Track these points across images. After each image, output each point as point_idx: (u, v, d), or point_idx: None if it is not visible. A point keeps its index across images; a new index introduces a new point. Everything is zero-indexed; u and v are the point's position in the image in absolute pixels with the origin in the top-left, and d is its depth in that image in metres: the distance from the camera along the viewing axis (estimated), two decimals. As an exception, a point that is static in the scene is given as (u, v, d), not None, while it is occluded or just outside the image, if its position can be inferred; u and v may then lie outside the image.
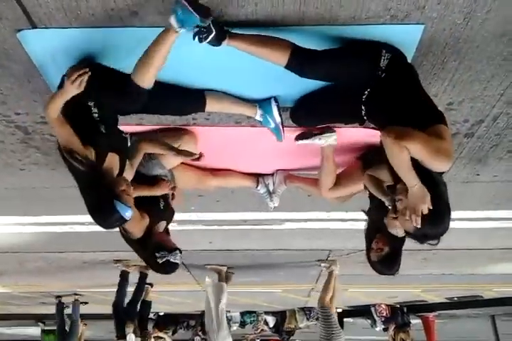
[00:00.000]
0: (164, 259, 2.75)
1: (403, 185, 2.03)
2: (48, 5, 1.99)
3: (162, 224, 2.97)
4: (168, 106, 2.56)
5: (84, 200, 2.25)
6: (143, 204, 2.70)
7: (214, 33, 2.03)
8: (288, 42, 2.15)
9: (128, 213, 2.19)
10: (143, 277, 6.13)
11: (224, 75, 2.49)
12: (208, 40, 2.05)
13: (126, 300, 5.92)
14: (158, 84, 2.42)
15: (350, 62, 2.22)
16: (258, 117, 2.62)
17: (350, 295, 8.26)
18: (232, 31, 2.12)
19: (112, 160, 2.27)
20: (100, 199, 2.18)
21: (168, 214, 3.05)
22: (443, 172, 2.09)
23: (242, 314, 10.20)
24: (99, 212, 2.22)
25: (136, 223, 2.70)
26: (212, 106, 2.57)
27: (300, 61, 2.18)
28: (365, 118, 2.34)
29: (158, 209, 2.95)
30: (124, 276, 5.96)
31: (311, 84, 2.47)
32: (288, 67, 2.20)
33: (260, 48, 2.15)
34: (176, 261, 2.80)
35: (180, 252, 2.84)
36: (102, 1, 1.99)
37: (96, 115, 2.30)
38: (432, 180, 2.00)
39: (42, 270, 6.44)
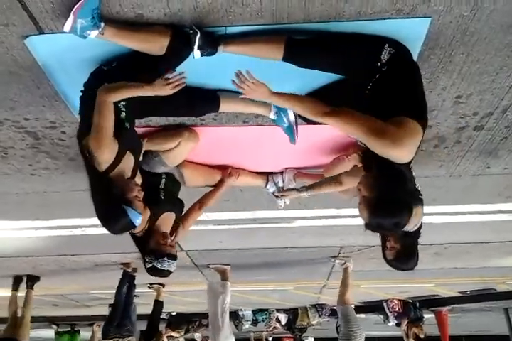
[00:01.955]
0: (150, 265, 2.72)
1: (363, 176, 2.10)
2: (54, 10, 2.00)
3: (169, 217, 2.91)
4: (182, 107, 2.58)
5: (94, 204, 2.24)
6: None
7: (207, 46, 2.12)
8: (281, 36, 2.16)
9: (138, 220, 2.18)
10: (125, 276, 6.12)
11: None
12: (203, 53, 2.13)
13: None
14: None
15: (349, 52, 2.21)
16: (272, 115, 2.62)
17: (362, 291, 8.25)
18: (228, 32, 2.14)
19: (127, 161, 2.26)
20: (111, 205, 2.17)
21: (172, 205, 3.01)
22: (406, 165, 2.08)
23: (254, 312, 10.20)
24: (109, 217, 2.21)
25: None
26: (226, 106, 2.59)
27: (295, 51, 2.18)
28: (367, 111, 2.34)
29: (157, 200, 2.93)
30: (124, 276, 5.98)
31: (322, 79, 2.47)
32: (285, 59, 2.21)
33: (255, 47, 2.17)
34: (163, 268, 2.73)
35: (173, 259, 2.76)
36: (106, 5, 2.00)
37: (123, 114, 2.29)
38: (388, 171, 2.01)
39: (55, 273, 6.48)
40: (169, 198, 3.03)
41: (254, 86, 2.12)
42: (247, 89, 2.13)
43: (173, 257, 2.77)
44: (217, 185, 3.21)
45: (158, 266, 2.72)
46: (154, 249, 2.74)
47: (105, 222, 2.22)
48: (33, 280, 6.56)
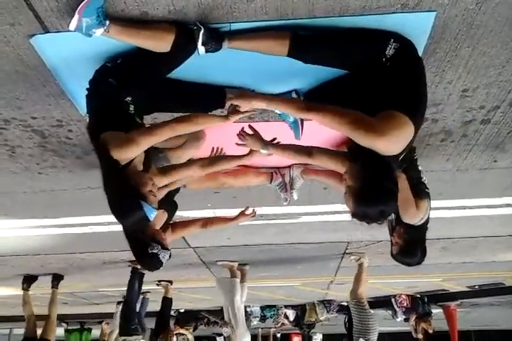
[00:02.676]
0: (155, 251, 2.70)
1: (349, 166, 2.11)
2: (60, 9, 2.01)
3: (162, 215, 2.92)
4: (188, 103, 2.59)
5: (108, 197, 2.19)
6: None
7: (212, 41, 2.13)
8: (286, 32, 2.16)
9: (153, 214, 2.17)
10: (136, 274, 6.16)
11: (243, 72, 2.50)
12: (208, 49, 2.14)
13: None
14: (178, 82, 2.46)
15: (353, 47, 2.21)
16: (278, 110, 2.62)
17: (369, 286, 8.23)
18: (232, 28, 2.14)
19: (140, 154, 2.25)
20: (127, 198, 2.14)
21: (167, 204, 2.99)
22: (394, 157, 2.08)
23: (262, 308, 10.23)
24: (124, 210, 2.18)
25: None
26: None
27: (300, 47, 2.18)
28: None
29: None
30: (134, 273, 6.02)
31: (327, 74, 2.47)
32: (290, 55, 2.21)
33: (260, 43, 2.17)
34: (161, 259, 2.75)
35: (170, 256, 2.80)
36: (110, 3, 2.00)
37: (132, 108, 2.30)
38: (374, 162, 2.01)
39: (63, 271, 6.52)
40: (167, 197, 3.04)
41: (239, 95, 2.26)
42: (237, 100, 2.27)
43: (170, 254, 2.82)
44: (231, 219, 3.24)
45: (161, 255, 2.74)
46: (158, 240, 2.76)
47: (120, 216, 2.19)
48: (57, 279, 6.61)
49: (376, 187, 2.00)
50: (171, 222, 3.17)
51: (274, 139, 2.58)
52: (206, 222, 3.22)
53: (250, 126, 2.54)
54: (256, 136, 2.54)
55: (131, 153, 2.15)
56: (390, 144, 1.99)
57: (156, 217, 2.83)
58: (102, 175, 2.21)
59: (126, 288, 5.99)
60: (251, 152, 2.62)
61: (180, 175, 2.68)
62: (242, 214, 3.25)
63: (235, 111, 2.32)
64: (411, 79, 2.17)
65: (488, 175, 3.70)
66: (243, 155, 2.67)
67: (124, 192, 2.13)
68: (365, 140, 1.97)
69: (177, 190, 3.18)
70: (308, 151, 2.48)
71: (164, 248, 2.76)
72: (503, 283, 8.22)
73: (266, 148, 2.56)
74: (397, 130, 1.99)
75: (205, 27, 2.10)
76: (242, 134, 2.55)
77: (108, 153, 2.09)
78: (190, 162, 2.72)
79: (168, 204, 3.06)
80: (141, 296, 6.73)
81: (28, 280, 6.57)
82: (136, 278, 5.98)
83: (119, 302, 7.91)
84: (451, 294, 9.00)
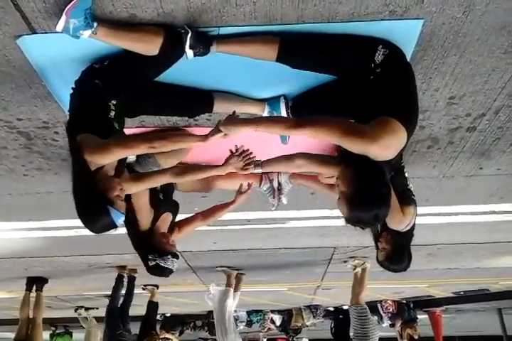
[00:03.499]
0: (154, 263, 2.74)
1: (341, 172, 2.11)
2: (47, 10, 1.99)
3: (167, 217, 2.94)
4: (176, 106, 2.58)
5: (75, 201, 2.15)
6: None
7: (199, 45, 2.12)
8: (275, 37, 2.17)
9: (120, 220, 2.13)
10: (131, 280, 6.13)
11: (231, 76, 2.50)
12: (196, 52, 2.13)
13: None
14: (166, 86, 2.45)
15: (342, 53, 2.22)
16: (266, 114, 2.62)
17: (356, 291, 8.25)
18: (221, 32, 2.14)
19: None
20: (94, 203, 2.11)
21: (170, 206, 3.03)
22: (387, 163, 2.08)
23: (249, 313, 10.19)
24: (90, 215, 2.14)
25: (147, 212, 2.72)
26: (220, 106, 2.58)
27: (289, 52, 2.19)
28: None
29: (158, 201, 2.92)
30: (119, 279, 6.00)
31: (315, 81, 2.48)
32: (278, 60, 2.21)
33: (248, 48, 2.17)
34: (166, 266, 2.77)
35: (176, 257, 2.81)
36: (98, 4, 1.99)
37: (112, 113, 2.28)
38: (367, 167, 2.02)
39: (48, 274, 6.46)
40: (167, 199, 3.03)
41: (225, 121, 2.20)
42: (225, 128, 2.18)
43: (176, 256, 2.82)
44: (230, 202, 3.15)
45: (162, 263, 2.76)
46: (157, 247, 2.77)
47: (85, 221, 2.15)
48: (42, 282, 6.54)
49: (369, 191, 2.00)
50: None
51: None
52: (206, 214, 3.16)
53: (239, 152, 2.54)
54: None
55: (104, 161, 2.13)
56: (383, 149, 1.99)
57: (161, 219, 2.85)
58: (72, 177, 2.18)
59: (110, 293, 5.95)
60: (226, 162, 2.55)
61: (153, 183, 2.66)
62: (239, 193, 3.13)
63: (213, 131, 2.24)
64: (402, 85, 2.18)
65: (474, 182, 3.73)
66: (219, 166, 2.59)
67: (91, 197, 2.10)
68: (358, 147, 1.97)
69: (173, 189, 3.17)
70: (297, 162, 2.48)
71: (163, 253, 2.76)
72: (488, 289, 8.28)
73: (258, 168, 2.59)
74: (389, 135, 1.99)
75: (193, 30, 2.10)
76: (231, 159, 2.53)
77: (81, 155, 2.07)
78: (163, 170, 2.69)
79: (171, 204, 3.06)
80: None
81: (31, 282, 6.49)
82: (120, 284, 5.95)
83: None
84: (437, 300, 9.04)
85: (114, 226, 2.14)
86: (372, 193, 2.01)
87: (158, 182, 2.67)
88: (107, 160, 2.12)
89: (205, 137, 2.23)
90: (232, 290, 5.84)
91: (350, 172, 2.05)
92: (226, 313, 5.63)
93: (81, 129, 2.14)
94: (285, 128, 2.07)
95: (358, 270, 5.57)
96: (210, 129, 2.35)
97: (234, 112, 2.27)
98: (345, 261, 5.91)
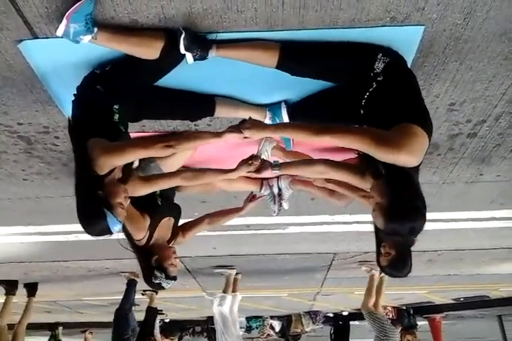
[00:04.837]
0: (158, 281, 2.76)
1: (375, 183, 2.09)
2: (49, 15, 2.00)
3: (168, 222, 2.92)
4: (178, 110, 2.59)
5: (77, 201, 2.16)
6: (138, 203, 2.65)
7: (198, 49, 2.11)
8: (275, 43, 2.17)
9: (116, 227, 2.13)
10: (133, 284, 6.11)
11: (233, 81, 2.50)
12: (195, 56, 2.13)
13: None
14: (168, 90, 2.46)
15: (341, 62, 2.22)
16: (267, 120, 2.62)
17: (356, 297, 8.23)
18: (218, 38, 2.14)
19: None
20: (93, 206, 2.10)
21: (170, 210, 3.00)
22: (414, 168, 2.09)
23: (248, 319, 10.16)
24: (87, 217, 2.14)
25: (136, 223, 2.68)
26: (221, 110, 2.59)
27: (290, 60, 2.19)
28: (364, 121, 2.34)
29: (155, 206, 2.90)
30: (131, 284, 5.96)
31: (316, 88, 2.48)
32: (279, 67, 2.21)
33: (248, 53, 2.18)
34: (165, 287, 2.80)
35: (175, 280, 2.83)
36: (100, 10, 2.00)
37: (116, 116, 2.28)
38: (398, 176, 2.02)
39: (47, 279, 6.43)
40: (166, 203, 3.02)
41: (249, 125, 2.18)
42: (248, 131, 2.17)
43: (176, 279, 2.84)
44: (239, 208, 3.13)
45: (164, 284, 2.78)
46: (165, 267, 2.77)
47: (82, 222, 2.15)
48: (33, 287, 6.46)
49: (406, 204, 2.00)
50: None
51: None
52: (212, 218, 3.13)
53: (256, 156, 2.51)
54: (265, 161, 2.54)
55: (120, 162, 2.14)
56: (412, 156, 2.00)
57: (161, 226, 2.84)
58: (75, 178, 2.18)
59: (110, 298, 5.93)
60: (238, 166, 2.52)
61: (162, 186, 2.65)
62: (248, 200, 3.09)
63: (231, 129, 2.24)
64: (410, 91, 2.18)
65: (474, 188, 3.73)
66: (229, 170, 2.55)
67: (92, 198, 2.09)
68: (386, 155, 1.97)
69: (173, 193, 3.17)
70: (318, 168, 2.47)
71: (169, 277, 2.76)
72: (488, 295, 8.26)
73: (277, 169, 2.55)
74: (415, 141, 1.99)
75: (187, 31, 2.08)
76: (250, 161, 2.50)
77: (89, 158, 2.07)
78: (174, 173, 2.68)
79: (171, 209, 3.04)
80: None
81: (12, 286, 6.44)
82: (133, 289, 5.92)
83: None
84: (437, 306, 9.02)
85: (109, 232, 2.13)
86: (409, 206, 2.01)
87: (168, 185, 2.66)
88: (123, 160, 2.14)
89: (221, 134, 2.24)
90: (229, 296, 5.80)
91: (383, 183, 2.05)
92: (228, 319, 5.62)
93: (88, 134, 2.14)
94: (311, 134, 2.05)
95: (375, 273, 5.54)
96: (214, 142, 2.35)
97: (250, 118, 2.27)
98: (360, 263, 5.85)
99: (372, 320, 4.76)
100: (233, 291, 6.00)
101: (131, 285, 5.95)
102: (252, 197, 3.10)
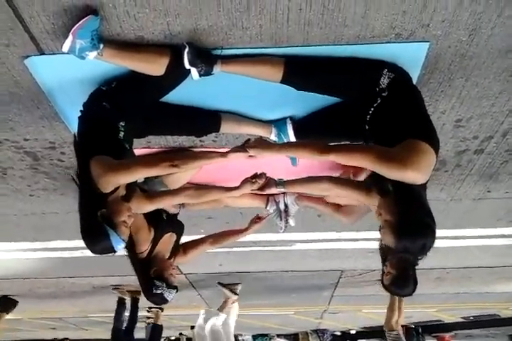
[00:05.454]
0: (159, 291, 2.72)
1: (383, 200, 2.08)
2: (55, 31, 2.02)
3: (170, 237, 2.92)
4: (184, 126, 2.59)
5: (80, 219, 2.16)
6: (144, 215, 2.67)
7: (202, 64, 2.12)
8: (280, 59, 2.18)
9: (120, 246, 2.13)
10: (135, 302, 6.07)
11: (239, 98, 2.51)
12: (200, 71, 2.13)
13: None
14: (174, 106, 2.48)
15: (347, 76, 2.22)
16: (273, 137, 2.62)
17: (363, 316, 8.13)
18: (223, 53, 2.15)
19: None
20: (95, 224, 2.10)
21: (174, 226, 3.00)
22: (422, 185, 2.07)
23: (254, 337, 10.08)
24: (90, 236, 2.14)
25: (144, 234, 2.70)
26: (227, 126, 2.59)
27: (294, 75, 2.20)
28: (368, 137, 2.33)
29: (161, 220, 2.91)
30: (121, 302, 5.93)
31: (321, 104, 2.48)
32: (284, 81, 2.22)
33: (253, 69, 2.18)
34: (168, 298, 2.76)
35: (177, 291, 2.80)
36: (106, 26, 2.02)
37: (122, 134, 2.29)
38: (406, 193, 2.00)
39: (52, 295, 6.42)
40: (171, 218, 3.01)
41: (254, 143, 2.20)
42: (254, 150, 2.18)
43: (177, 289, 2.81)
44: (243, 229, 3.11)
45: (166, 294, 2.75)
46: (165, 276, 2.76)
47: (86, 240, 2.15)
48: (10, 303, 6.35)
49: (416, 221, 2.00)
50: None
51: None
52: (216, 238, 3.13)
53: (260, 174, 2.52)
54: (269, 178, 2.55)
55: (126, 180, 2.14)
56: (419, 173, 1.98)
57: (163, 241, 2.83)
58: (79, 196, 2.18)
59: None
60: (242, 184, 2.52)
61: (167, 203, 2.65)
62: (253, 221, 3.08)
63: (236, 149, 2.25)
64: (415, 108, 2.18)
65: (481, 205, 3.69)
66: (233, 188, 2.55)
67: (94, 218, 2.09)
68: (394, 173, 1.96)
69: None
70: (323, 186, 2.46)
71: (170, 286, 2.75)
72: (499, 314, 8.14)
73: (280, 187, 2.56)
74: (421, 158, 1.98)
75: (190, 45, 2.09)
76: (254, 179, 2.51)
77: (93, 176, 2.07)
78: (178, 190, 2.67)
79: (175, 225, 3.04)
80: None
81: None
82: (122, 307, 5.89)
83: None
84: (446, 325, 8.90)
85: (113, 250, 2.13)
86: (418, 223, 2.00)
87: (172, 202, 2.67)
88: (128, 179, 2.14)
89: (226, 154, 2.23)
90: (223, 316, 5.66)
91: (391, 200, 2.04)
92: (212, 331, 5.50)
93: (93, 151, 2.14)
94: (318, 153, 2.04)
95: None
96: (216, 151, 2.35)
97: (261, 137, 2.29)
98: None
99: (392, 340, 4.71)
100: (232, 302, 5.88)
101: (120, 303, 5.92)
102: (257, 218, 3.08)
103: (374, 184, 2.22)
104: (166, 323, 7.04)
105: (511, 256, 4.96)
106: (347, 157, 2.01)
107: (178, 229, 3.05)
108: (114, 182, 2.10)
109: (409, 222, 1.99)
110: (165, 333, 8.58)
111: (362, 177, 2.88)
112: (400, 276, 2.73)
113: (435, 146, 2.06)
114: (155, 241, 2.76)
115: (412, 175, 1.96)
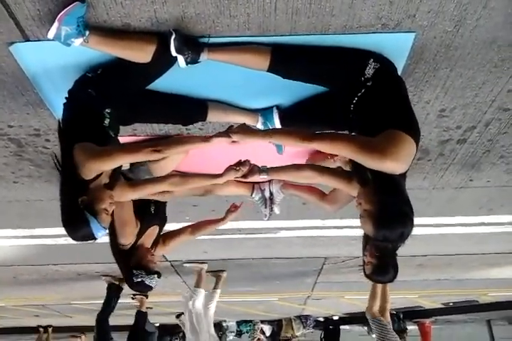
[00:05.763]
0: (139, 279, 2.74)
1: (362, 189, 2.10)
2: (41, 17, 1.99)
3: (154, 230, 2.94)
4: (170, 114, 2.58)
5: (61, 205, 2.15)
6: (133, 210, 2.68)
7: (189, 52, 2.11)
8: (267, 47, 2.18)
9: (100, 233, 2.11)
10: (118, 290, 6.06)
11: (225, 87, 2.51)
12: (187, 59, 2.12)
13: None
14: (161, 93, 2.46)
15: (333, 65, 2.23)
16: (259, 125, 2.63)
17: (346, 302, 8.24)
18: (210, 41, 2.14)
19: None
20: (75, 211, 2.09)
21: (159, 219, 3.02)
22: (402, 175, 2.09)
23: (239, 323, 10.15)
24: (70, 222, 2.13)
25: (130, 227, 2.70)
26: (213, 115, 2.59)
27: (280, 63, 2.20)
28: (353, 126, 2.36)
29: (148, 214, 2.92)
30: (110, 288, 5.94)
31: (307, 92, 2.49)
32: (270, 69, 2.22)
33: (240, 57, 2.18)
34: (151, 285, 2.78)
35: (159, 276, 2.81)
36: (92, 13, 2.00)
37: (107, 121, 2.27)
38: (385, 183, 2.03)
39: (36, 282, 6.40)
40: (157, 212, 3.02)
41: (238, 129, 2.19)
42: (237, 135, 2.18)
43: (160, 275, 2.82)
44: (220, 219, 3.15)
45: (147, 281, 2.76)
46: (143, 264, 2.77)
47: (66, 227, 2.13)
48: None
49: (394, 210, 2.01)
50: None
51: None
52: (195, 228, 3.16)
53: (243, 162, 2.52)
54: (253, 166, 2.54)
55: (107, 166, 2.13)
56: (398, 163, 2.00)
57: (147, 234, 2.84)
58: (60, 182, 2.17)
59: (99, 301, 5.90)
60: (226, 172, 2.52)
61: (150, 191, 2.63)
62: (229, 211, 3.13)
63: (220, 134, 2.23)
64: (398, 98, 2.19)
65: (463, 194, 3.75)
66: (217, 175, 2.55)
67: (74, 205, 2.08)
68: (373, 162, 1.98)
69: (165, 203, 3.16)
70: (306, 173, 2.48)
71: (150, 272, 2.76)
72: (477, 300, 8.30)
73: (263, 174, 2.56)
74: (401, 148, 2.00)
75: (177, 33, 2.08)
76: (238, 167, 2.51)
77: (75, 162, 2.06)
78: (161, 178, 2.67)
79: (161, 219, 3.06)
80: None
81: None
82: (113, 293, 5.89)
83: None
84: (426, 311, 9.06)
85: (93, 237, 2.12)
86: (397, 212, 2.02)
87: (155, 190, 2.65)
88: (110, 165, 2.13)
89: (209, 138, 2.22)
90: (201, 291, 5.68)
91: (371, 190, 2.06)
92: (199, 312, 5.54)
93: (77, 138, 2.13)
94: (300, 140, 2.06)
95: None
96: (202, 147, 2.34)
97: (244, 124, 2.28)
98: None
99: (376, 326, 4.77)
100: (215, 288, 5.94)
101: (111, 289, 5.92)
102: (233, 207, 3.12)
103: (355, 173, 2.25)
104: (150, 310, 7.08)
105: (491, 244, 5.06)
106: (329, 146, 2.03)
107: (162, 222, 3.07)
108: (95, 168, 2.08)
109: (388, 211, 2.01)
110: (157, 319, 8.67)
111: (337, 164, 2.93)
112: (380, 265, 2.78)
113: (416, 137, 2.08)
114: (139, 235, 2.77)
115: (390, 165, 1.98)
